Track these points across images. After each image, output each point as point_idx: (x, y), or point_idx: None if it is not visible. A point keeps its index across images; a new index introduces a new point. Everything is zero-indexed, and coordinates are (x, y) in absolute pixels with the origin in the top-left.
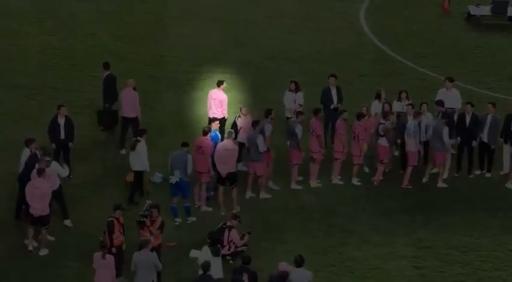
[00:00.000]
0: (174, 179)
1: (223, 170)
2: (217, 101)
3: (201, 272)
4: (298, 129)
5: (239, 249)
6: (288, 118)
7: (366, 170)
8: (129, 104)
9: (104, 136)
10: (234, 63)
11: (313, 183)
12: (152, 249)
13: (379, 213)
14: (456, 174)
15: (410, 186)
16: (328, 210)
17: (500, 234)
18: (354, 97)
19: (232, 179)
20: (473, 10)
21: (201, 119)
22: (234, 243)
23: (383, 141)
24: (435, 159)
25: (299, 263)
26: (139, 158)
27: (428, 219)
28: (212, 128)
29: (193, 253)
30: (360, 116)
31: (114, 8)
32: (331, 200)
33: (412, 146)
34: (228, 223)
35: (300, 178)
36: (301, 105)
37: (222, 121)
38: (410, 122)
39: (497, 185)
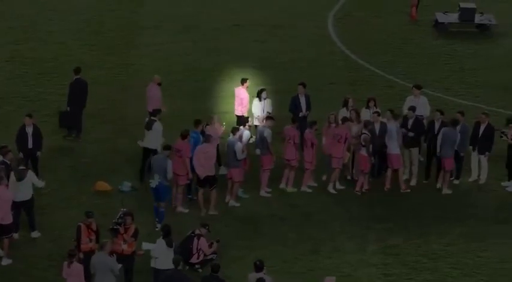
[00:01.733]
0: (154, 183)
1: (201, 173)
2: (238, 99)
3: (155, 263)
4: (267, 134)
5: (208, 257)
6: (256, 127)
7: (324, 177)
8: (153, 99)
9: (72, 144)
10: (204, 71)
11: (290, 188)
12: (124, 257)
13: (350, 220)
14: (425, 182)
15: (409, 190)
16: (299, 217)
17: (470, 241)
18: (323, 105)
19: (211, 181)
20: (441, 18)
21: (171, 126)
22: (203, 251)
23: (363, 151)
24: (444, 165)
25: (259, 267)
26: (155, 136)
27: (397, 227)
28: (241, 128)
29: (146, 245)
30: (344, 120)
31: (84, 17)
32: (302, 207)
33: (395, 148)
34: (197, 231)
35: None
36: (269, 113)
37: (243, 119)
38: (392, 125)
39: (466, 192)
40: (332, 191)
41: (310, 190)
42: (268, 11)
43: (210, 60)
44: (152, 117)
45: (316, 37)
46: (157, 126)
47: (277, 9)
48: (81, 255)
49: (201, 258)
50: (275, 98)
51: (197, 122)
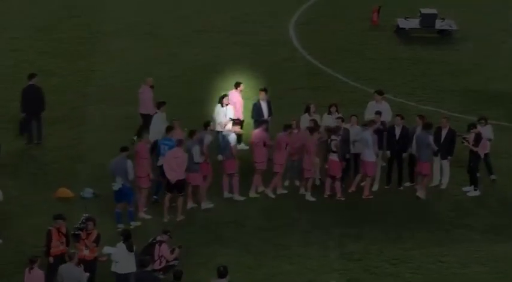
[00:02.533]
0: (116, 186)
1: (173, 177)
2: (232, 103)
3: (115, 267)
4: (232, 138)
5: (170, 263)
6: (218, 132)
7: (286, 183)
8: (145, 101)
9: (33, 151)
10: (164, 78)
11: (252, 193)
12: (86, 262)
13: (312, 226)
14: (386, 187)
15: (371, 197)
16: (261, 223)
17: (432, 246)
18: (285, 111)
19: (180, 186)
20: (402, 23)
21: (129, 132)
22: (164, 257)
23: (334, 157)
24: (420, 170)
25: (222, 274)
26: (153, 128)
27: (359, 232)
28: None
29: (107, 249)
30: (312, 130)
31: (42, 24)
32: (265, 213)
33: (370, 156)
34: (159, 238)
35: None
36: (231, 119)
37: (237, 122)
38: (367, 132)
39: (428, 196)
40: (310, 198)
41: (273, 196)
42: (228, 16)
43: (170, 67)
44: (157, 111)
45: (278, 43)
46: (155, 118)
47: (238, 15)
48: (51, 260)
49: (163, 264)
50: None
51: (169, 129)
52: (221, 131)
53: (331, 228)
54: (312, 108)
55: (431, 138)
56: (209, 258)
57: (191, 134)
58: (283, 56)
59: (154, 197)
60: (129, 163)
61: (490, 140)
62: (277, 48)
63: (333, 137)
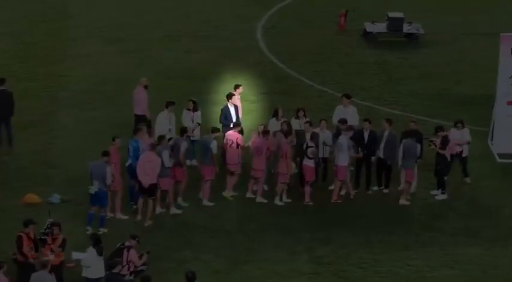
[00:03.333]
0: (93, 189)
1: (146, 181)
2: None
3: (86, 272)
4: (213, 145)
5: (138, 268)
6: (159, 137)
7: (265, 187)
8: (140, 102)
9: (3, 156)
10: (135, 82)
11: (227, 193)
12: (52, 267)
13: (281, 230)
14: (355, 191)
15: (340, 201)
16: (230, 228)
17: (400, 250)
18: (254, 115)
19: (152, 190)
20: (370, 27)
21: (101, 136)
22: (133, 263)
23: (309, 163)
24: (406, 177)
25: (191, 279)
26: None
27: (328, 236)
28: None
29: (77, 255)
30: (287, 134)
31: (12, 29)
32: (234, 217)
33: (344, 160)
34: (127, 243)
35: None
36: (199, 124)
37: (234, 125)
38: (343, 137)
39: (395, 201)
40: (279, 203)
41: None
42: (197, 21)
43: (142, 71)
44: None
45: (246, 47)
46: (158, 118)
47: (207, 20)
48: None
49: (131, 269)
50: (206, 108)
51: (137, 130)
52: (188, 136)
53: (301, 233)
54: (280, 112)
55: (419, 147)
56: (179, 263)
57: (160, 139)
58: (251, 61)
59: (131, 203)
60: (109, 168)
61: (468, 143)
62: (246, 52)
63: (310, 143)
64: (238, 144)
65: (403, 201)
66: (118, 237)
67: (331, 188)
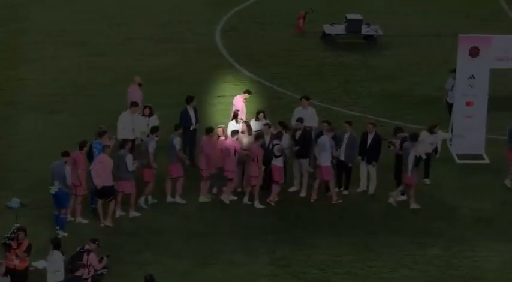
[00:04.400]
0: (53, 190)
1: (98, 183)
2: (234, 108)
3: (53, 276)
4: (176, 142)
5: (99, 272)
6: (122, 141)
7: (214, 190)
8: (132, 100)
9: None
10: (95, 86)
11: (203, 198)
12: (17, 273)
13: (242, 232)
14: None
15: (341, 200)
16: (190, 230)
17: (360, 251)
18: (213, 118)
19: (107, 192)
20: (328, 29)
21: (62, 140)
22: (93, 266)
23: (278, 162)
24: (405, 180)
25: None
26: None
27: (288, 238)
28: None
29: (40, 263)
30: (258, 137)
31: None
32: (194, 219)
33: (327, 160)
34: (86, 246)
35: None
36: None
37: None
38: (324, 137)
39: (355, 202)
40: (227, 201)
41: (209, 200)
42: (156, 25)
43: (103, 75)
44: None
45: (204, 50)
46: (120, 119)
47: (165, 23)
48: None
49: (91, 273)
50: (164, 112)
51: (101, 133)
52: (143, 141)
53: (261, 235)
54: (239, 115)
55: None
56: (139, 266)
57: (123, 143)
58: (210, 64)
59: (92, 206)
60: (67, 168)
61: (436, 147)
62: (204, 55)
63: (275, 141)
64: (236, 152)
65: (414, 205)
66: (78, 241)
67: (290, 190)
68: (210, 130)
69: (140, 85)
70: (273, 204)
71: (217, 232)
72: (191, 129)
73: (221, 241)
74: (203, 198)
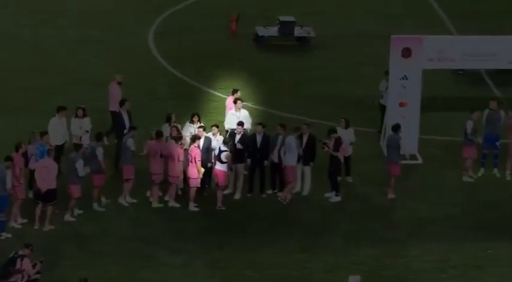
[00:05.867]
0: None
1: (43, 187)
2: (227, 109)
3: None
4: (130, 143)
5: (32, 278)
6: (75, 145)
7: (148, 193)
8: (114, 97)
9: None
10: (41, 88)
11: (155, 203)
12: None
13: (179, 235)
14: (249, 195)
15: (287, 201)
16: (126, 233)
17: (296, 252)
18: (148, 121)
19: (49, 196)
20: (261, 31)
21: (7, 144)
22: (26, 272)
23: (222, 167)
24: (390, 170)
25: None
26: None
27: (224, 240)
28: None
29: None
30: (195, 138)
31: None
32: (130, 222)
33: (292, 161)
34: (20, 252)
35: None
36: (87, 131)
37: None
38: (290, 137)
39: (290, 203)
40: (194, 209)
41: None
42: (89, 27)
43: (48, 77)
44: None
45: (137, 53)
46: (50, 124)
47: (98, 26)
48: None
49: (25, 278)
50: (98, 115)
51: (43, 134)
52: (76, 144)
53: (197, 237)
54: (173, 117)
55: (401, 141)
56: (74, 271)
57: (76, 147)
58: (143, 66)
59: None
60: (8, 172)
61: (351, 143)
62: (138, 58)
63: (223, 147)
64: (161, 154)
65: (391, 195)
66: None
67: (225, 192)
68: (159, 134)
69: (120, 83)
70: (223, 208)
71: (151, 235)
72: (124, 133)
73: (155, 244)
74: (156, 204)
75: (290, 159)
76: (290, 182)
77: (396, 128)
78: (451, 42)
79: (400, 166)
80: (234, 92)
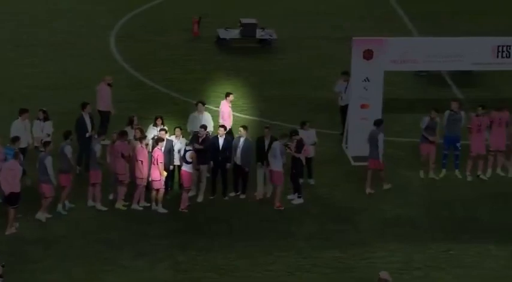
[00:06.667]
0: None
1: (7, 190)
2: (220, 112)
3: None
4: (97, 148)
5: None
6: (36, 147)
7: (110, 197)
8: (103, 98)
9: None
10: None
11: (119, 204)
12: None
13: (141, 238)
14: (211, 197)
15: (282, 208)
16: (87, 235)
17: (258, 255)
18: (110, 124)
19: (13, 199)
20: (223, 33)
21: None
22: None
23: (187, 168)
24: (372, 165)
25: None
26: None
27: (186, 243)
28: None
29: None
30: (158, 140)
31: None
32: (91, 225)
33: (278, 165)
34: None
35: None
36: (49, 135)
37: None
38: (276, 143)
39: (253, 206)
40: (162, 211)
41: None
42: (48, 30)
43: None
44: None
45: (99, 56)
46: (12, 127)
47: (59, 29)
48: None
49: None
50: (59, 118)
51: (15, 139)
52: (37, 147)
53: (160, 240)
54: (135, 120)
55: (381, 136)
56: (37, 275)
57: (45, 145)
58: (105, 70)
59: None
60: None
61: (314, 144)
62: (99, 61)
63: (187, 147)
64: (123, 154)
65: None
66: None
67: (189, 195)
68: (123, 133)
69: (109, 85)
70: (186, 211)
71: (114, 238)
72: (87, 136)
73: (118, 247)
74: (119, 205)
75: (276, 164)
76: (277, 186)
77: (379, 122)
78: (414, 43)
79: (380, 161)
80: (227, 95)
